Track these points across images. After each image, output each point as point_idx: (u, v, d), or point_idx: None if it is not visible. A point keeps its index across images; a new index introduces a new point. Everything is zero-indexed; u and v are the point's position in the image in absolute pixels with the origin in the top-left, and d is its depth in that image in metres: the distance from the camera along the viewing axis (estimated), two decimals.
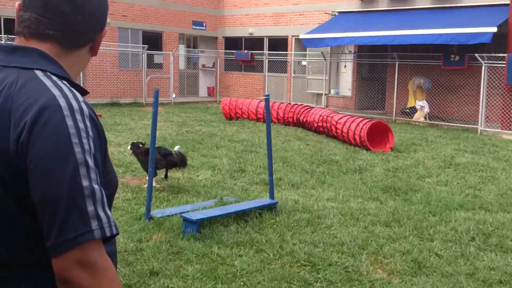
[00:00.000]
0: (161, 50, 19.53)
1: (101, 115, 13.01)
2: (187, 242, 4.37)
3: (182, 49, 20.87)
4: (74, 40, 1.24)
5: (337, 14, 17.51)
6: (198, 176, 7.05)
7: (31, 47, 1.20)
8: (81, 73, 12.20)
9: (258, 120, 13.24)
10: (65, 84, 1.17)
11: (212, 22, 21.50)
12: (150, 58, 18.64)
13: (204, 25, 21.28)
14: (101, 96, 17.16)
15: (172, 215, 4.89)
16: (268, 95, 5.38)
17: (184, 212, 4.88)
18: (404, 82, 15.81)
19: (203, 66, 21.99)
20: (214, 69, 21.52)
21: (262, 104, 13.50)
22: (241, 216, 5.03)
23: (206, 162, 7.88)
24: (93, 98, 16.90)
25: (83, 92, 1.25)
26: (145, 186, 5.72)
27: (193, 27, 20.87)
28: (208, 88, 21.86)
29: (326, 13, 17.83)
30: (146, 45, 17.75)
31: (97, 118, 1.20)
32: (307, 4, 18.72)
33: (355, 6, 17.09)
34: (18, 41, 1.23)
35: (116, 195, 5.73)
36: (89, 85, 17.22)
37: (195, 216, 4.57)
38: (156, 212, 4.93)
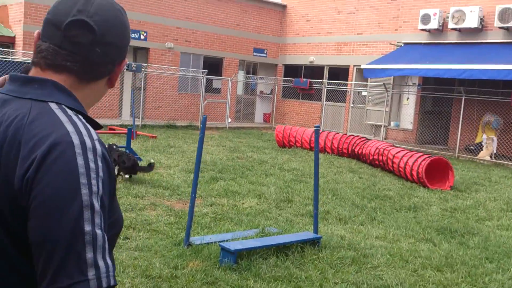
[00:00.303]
0: (221, 75, 19.95)
1: (156, 136, 13.38)
2: (223, 272, 4.29)
3: (241, 75, 21.22)
4: (91, 72, 1.20)
5: (402, 45, 17.19)
6: (244, 203, 6.98)
7: (46, 78, 1.16)
8: (141, 95, 12.66)
9: (311, 149, 13.07)
10: (80, 119, 1.13)
11: (273, 50, 21.76)
12: (209, 82, 19.09)
13: (265, 52, 21.58)
14: (159, 118, 17.70)
15: (211, 243, 4.84)
16: (318, 126, 5.27)
17: (224, 241, 4.81)
18: (470, 118, 15.14)
19: (261, 92, 22.21)
20: (271, 95, 21.67)
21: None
22: (281, 249, 4.89)
23: (253, 190, 7.81)
24: (151, 120, 17.46)
25: (97, 127, 1.21)
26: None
27: (254, 53, 21.21)
28: (264, 114, 22.00)
29: (391, 43, 17.57)
30: (206, 70, 18.19)
31: (110, 156, 1.15)
32: (372, 34, 18.54)
33: (422, 38, 16.70)
34: (34, 71, 1.19)
35: (159, 218, 5.79)
36: (148, 107, 17.83)
37: (234, 246, 4.49)
38: (195, 239, 4.90)
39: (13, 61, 13.94)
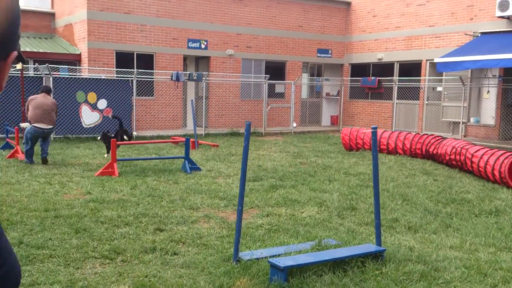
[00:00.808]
0: (284, 79, 19.69)
1: (218, 145, 13.34)
2: None
3: (305, 78, 20.83)
4: None
5: (479, 35, 16.01)
6: (302, 213, 6.64)
7: None
8: (203, 104, 12.70)
9: (381, 151, 12.44)
10: None
11: (338, 49, 21.18)
12: (271, 87, 18.90)
13: (330, 52, 21.05)
14: (222, 126, 17.74)
15: (262, 258, 4.55)
16: (375, 127, 4.83)
17: (275, 256, 4.51)
18: None
19: (327, 94, 21.67)
20: (338, 97, 21.07)
21: (386, 134, 12.68)
22: (339, 263, 4.50)
23: (314, 197, 7.44)
24: (214, 128, 17.54)
25: None
26: None
27: (318, 55, 20.75)
28: (332, 117, 21.43)
29: (466, 34, 16.42)
30: (268, 75, 18.01)
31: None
32: (444, 25, 17.47)
33: (500, 26, 15.46)
34: None
35: (211, 231, 5.59)
36: (211, 115, 17.93)
37: (284, 262, 4.17)
38: (245, 254, 4.63)
39: (80, 78, 14.55)
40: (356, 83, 20.19)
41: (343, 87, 20.63)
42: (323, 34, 20.65)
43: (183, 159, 9.66)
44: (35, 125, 9.50)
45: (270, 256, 4.52)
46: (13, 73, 14.19)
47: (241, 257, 4.55)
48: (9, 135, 11.86)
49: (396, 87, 18.28)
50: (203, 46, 17.82)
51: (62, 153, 11.47)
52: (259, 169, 9.91)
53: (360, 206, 7.03)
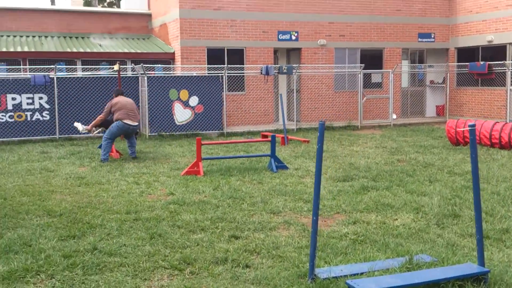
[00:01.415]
0: (381, 68, 18.58)
1: (308, 140, 12.83)
2: None
3: (405, 65, 19.50)
4: None
5: None
6: (395, 220, 5.95)
7: None
8: (294, 97, 12.28)
9: (493, 145, 11.15)
10: None
11: (442, 33, 19.54)
12: (367, 77, 17.92)
13: (433, 36, 19.50)
14: (315, 120, 17.15)
15: (341, 276, 4.02)
16: (473, 125, 4.04)
17: (356, 275, 3.96)
18: None
19: (431, 82, 20.13)
20: (444, 85, 19.47)
21: (498, 125, 11.32)
22: (432, 287, 3.84)
23: (410, 202, 6.68)
24: (307, 122, 17.01)
25: None
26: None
27: (419, 39, 19.31)
28: (437, 107, 19.87)
29: None
30: (363, 65, 17.08)
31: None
32: None
33: None
34: None
35: (289, 240, 5.15)
36: (304, 109, 17.42)
37: (365, 284, 3.62)
38: (322, 271, 4.13)
39: (172, 76, 14.82)
40: (464, 69, 18.46)
41: (448, 74, 19.00)
42: (425, 17, 19.15)
43: (269, 157, 9.32)
44: (124, 121, 10.04)
45: (351, 275, 3.98)
46: (111, 74, 14.82)
47: (318, 275, 4.06)
48: None
49: (509, 72, 16.39)
50: (293, 37, 17.35)
51: (154, 151, 11.71)
52: (351, 168, 9.26)
53: (464, 213, 6.17)
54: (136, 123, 10.25)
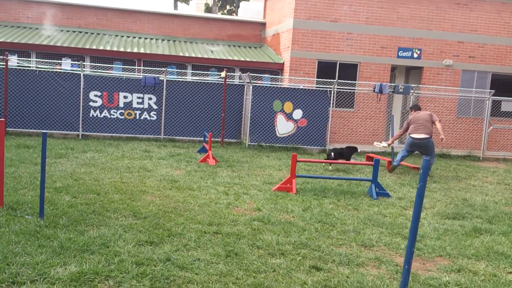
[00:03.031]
0: None
1: (418, 167, 11.95)
2: None
3: None
4: None
5: None
6: (510, 274, 5.15)
7: None
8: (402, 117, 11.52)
9: None
10: None
11: None
12: (496, 104, 16.43)
13: None
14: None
15: None
16: None
17: None
18: None
19: None
20: None
21: None
22: None
23: None
24: None
25: None
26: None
27: None
28: None
29: None
30: (493, 90, 15.69)
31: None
32: None
33: None
34: None
35: (377, 281, 4.67)
36: None
37: None
38: None
39: (278, 87, 14.76)
40: None
41: None
42: None
43: (370, 182, 8.77)
44: (411, 135, 10.60)
45: None
46: (218, 81, 15.15)
47: None
48: (206, 140, 12.59)
49: None
50: (415, 55, 16.46)
51: (251, 161, 11.67)
52: (464, 204, 8.39)
53: None
54: (422, 136, 10.48)
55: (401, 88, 14.71)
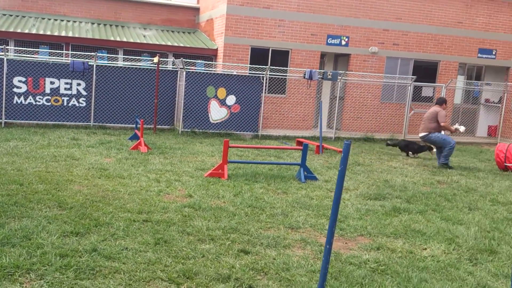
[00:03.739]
0: (435, 82, 17.80)
1: None
2: None
3: (460, 81, 18.63)
4: None
5: None
6: (424, 250, 5.47)
7: None
8: (336, 105, 12.11)
9: None
10: None
11: (505, 50, 18.56)
12: (417, 90, 17.21)
13: (494, 53, 18.55)
14: (357, 130, 16.62)
15: None
16: None
17: None
18: None
19: (486, 100, 19.14)
20: (499, 105, 18.46)
21: None
22: None
23: (443, 230, 6.17)
24: (347, 132, 16.49)
25: None
26: None
27: (479, 55, 18.40)
28: (489, 127, 18.88)
29: None
30: (414, 76, 16.40)
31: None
32: None
33: None
34: None
35: (302, 261, 4.79)
36: (346, 117, 16.91)
37: None
38: None
39: (211, 73, 14.67)
40: None
41: (506, 94, 18.00)
42: (487, 32, 18.23)
43: (299, 166, 8.96)
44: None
45: None
46: (151, 66, 14.83)
47: None
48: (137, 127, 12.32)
49: None
50: (343, 42, 16.86)
51: (184, 147, 11.57)
52: (385, 185, 8.77)
53: (502, 249, 5.61)
54: (422, 134, 11.10)
55: (329, 74, 15.05)
